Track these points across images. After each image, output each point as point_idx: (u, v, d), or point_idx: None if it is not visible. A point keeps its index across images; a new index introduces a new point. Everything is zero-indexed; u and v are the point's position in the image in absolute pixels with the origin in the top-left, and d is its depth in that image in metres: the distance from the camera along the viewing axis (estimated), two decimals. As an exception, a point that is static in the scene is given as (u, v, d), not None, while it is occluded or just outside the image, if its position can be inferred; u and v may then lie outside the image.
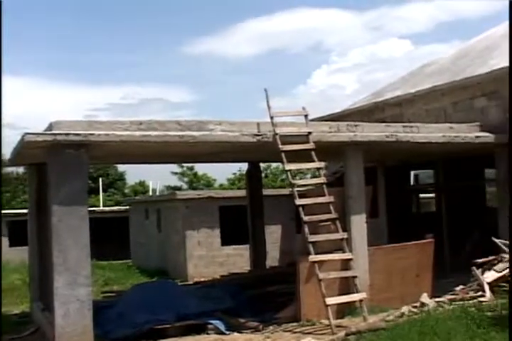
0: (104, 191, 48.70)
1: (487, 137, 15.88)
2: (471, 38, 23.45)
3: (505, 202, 16.51)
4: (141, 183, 55.77)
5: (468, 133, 15.75)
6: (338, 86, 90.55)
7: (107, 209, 39.38)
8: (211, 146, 13.20)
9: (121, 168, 55.38)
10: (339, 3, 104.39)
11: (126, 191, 55.79)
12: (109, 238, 34.30)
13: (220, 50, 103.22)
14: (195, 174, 52.41)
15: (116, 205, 43.28)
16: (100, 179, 47.54)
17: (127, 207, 35.13)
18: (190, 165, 49.15)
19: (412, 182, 24.90)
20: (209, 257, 24.89)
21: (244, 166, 23.63)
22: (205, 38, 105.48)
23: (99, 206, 41.57)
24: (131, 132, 11.93)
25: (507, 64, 16.38)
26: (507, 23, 21.28)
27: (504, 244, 13.88)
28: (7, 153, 15.92)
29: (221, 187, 50.61)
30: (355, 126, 14.35)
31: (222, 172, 58.40)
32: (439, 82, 18.95)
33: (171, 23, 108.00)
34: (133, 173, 58.50)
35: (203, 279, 21.12)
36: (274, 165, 47.56)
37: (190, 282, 21.62)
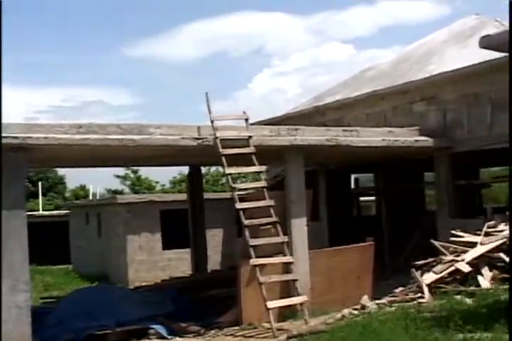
0: (43, 195, 48.02)
1: (426, 141, 16.12)
2: (412, 43, 23.75)
3: (444, 204, 16.80)
4: (82, 187, 55.14)
5: (407, 137, 15.96)
6: (279, 90, 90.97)
7: (46, 213, 38.86)
8: (152, 150, 13.12)
9: (60, 171, 54.70)
10: (282, 6, 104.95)
11: (67, 195, 55.11)
12: (49, 243, 33.83)
13: (163, 53, 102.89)
14: (139, 177, 52.02)
15: (56, 209, 42.71)
16: (40, 183, 46.88)
17: (67, 212, 34.72)
18: (134, 168, 48.76)
19: (352, 186, 25.12)
20: (150, 261, 24.74)
21: (185, 169, 23.55)
22: (147, 39, 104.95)
23: (38, 210, 40.98)
24: (71, 135, 11.80)
25: (446, 69, 16.67)
26: (447, 28, 21.75)
27: (442, 246, 14.08)
28: None
29: (162, 190, 50.31)
30: (296, 129, 14.39)
31: (165, 176, 58.11)
32: (380, 86, 19.16)
33: (113, 24, 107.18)
34: (74, 177, 57.85)
35: (144, 284, 20.95)
36: (214, 168, 47.47)
37: (131, 287, 21.43)
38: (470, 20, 20.99)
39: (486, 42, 9.21)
